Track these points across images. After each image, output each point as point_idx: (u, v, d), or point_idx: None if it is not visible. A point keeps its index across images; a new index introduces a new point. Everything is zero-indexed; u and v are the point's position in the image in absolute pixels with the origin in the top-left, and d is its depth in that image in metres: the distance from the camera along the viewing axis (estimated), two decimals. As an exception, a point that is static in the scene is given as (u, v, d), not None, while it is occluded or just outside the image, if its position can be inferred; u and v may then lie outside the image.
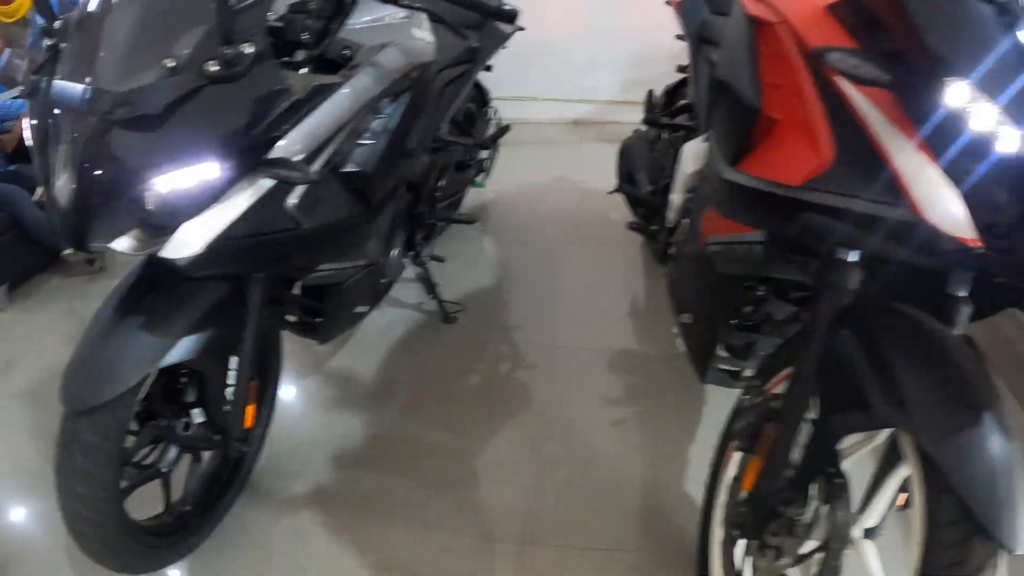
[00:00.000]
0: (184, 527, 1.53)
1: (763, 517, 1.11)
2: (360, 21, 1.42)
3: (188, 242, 1.13)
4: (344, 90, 1.25)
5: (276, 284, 1.49)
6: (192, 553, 1.54)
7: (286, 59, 1.24)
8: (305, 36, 1.26)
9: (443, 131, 2.12)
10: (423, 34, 1.65)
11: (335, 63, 1.34)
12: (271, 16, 1.24)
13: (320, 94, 1.20)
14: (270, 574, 1.54)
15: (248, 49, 1.05)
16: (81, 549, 1.29)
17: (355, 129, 1.36)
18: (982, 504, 0.77)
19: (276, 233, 1.27)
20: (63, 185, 1.06)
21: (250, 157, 1.14)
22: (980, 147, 0.73)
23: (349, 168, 1.40)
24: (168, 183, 1.07)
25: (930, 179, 0.77)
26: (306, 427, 1.94)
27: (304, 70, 1.24)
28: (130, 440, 1.34)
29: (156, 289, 1.29)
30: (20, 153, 2.56)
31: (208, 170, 1.09)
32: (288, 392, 2.03)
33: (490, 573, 1.50)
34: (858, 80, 0.83)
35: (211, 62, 1.03)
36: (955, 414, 0.82)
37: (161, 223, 1.11)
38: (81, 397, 1.19)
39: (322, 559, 1.56)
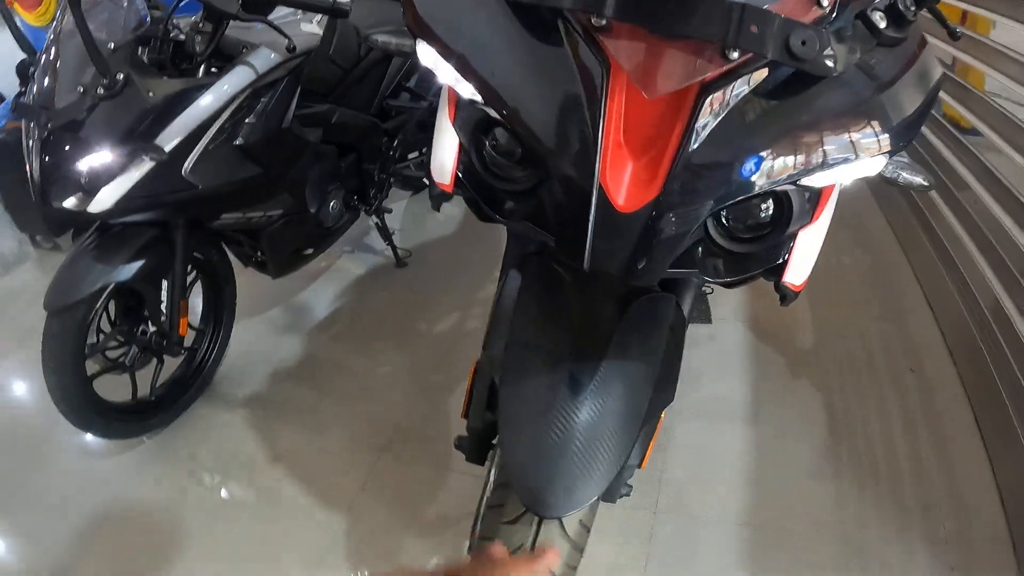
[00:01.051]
0: (146, 413, 2.17)
1: None
2: (256, 21, 1.88)
3: (104, 200, 1.72)
4: (211, 89, 1.79)
5: (196, 227, 2.03)
6: (153, 432, 2.19)
7: (187, 65, 1.80)
8: (198, 46, 1.78)
9: (389, 99, 2.64)
10: (311, 28, 2.13)
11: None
12: (174, 34, 1.79)
13: (186, 96, 1.76)
14: (201, 454, 2.12)
15: (119, 76, 1.64)
16: (63, 415, 1.93)
17: (238, 112, 1.87)
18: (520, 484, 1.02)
19: (179, 191, 1.82)
20: (35, 167, 1.72)
21: (143, 141, 1.70)
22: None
23: (238, 142, 1.90)
24: (89, 163, 1.69)
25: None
26: (260, 347, 2.50)
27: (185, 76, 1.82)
28: (100, 337, 1.97)
29: (105, 234, 1.90)
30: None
31: (111, 153, 1.69)
32: (253, 318, 2.61)
33: (347, 473, 1.95)
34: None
35: (100, 87, 1.63)
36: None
37: (89, 189, 1.71)
38: (53, 302, 1.82)
39: (236, 445, 2.11)
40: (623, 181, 0.81)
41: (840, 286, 2.43)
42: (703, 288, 1.04)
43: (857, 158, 0.82)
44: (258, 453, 2.07)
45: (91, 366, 1.99)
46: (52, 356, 1.83)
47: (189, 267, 2.18)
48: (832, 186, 0.90)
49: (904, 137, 0.85)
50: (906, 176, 0.98)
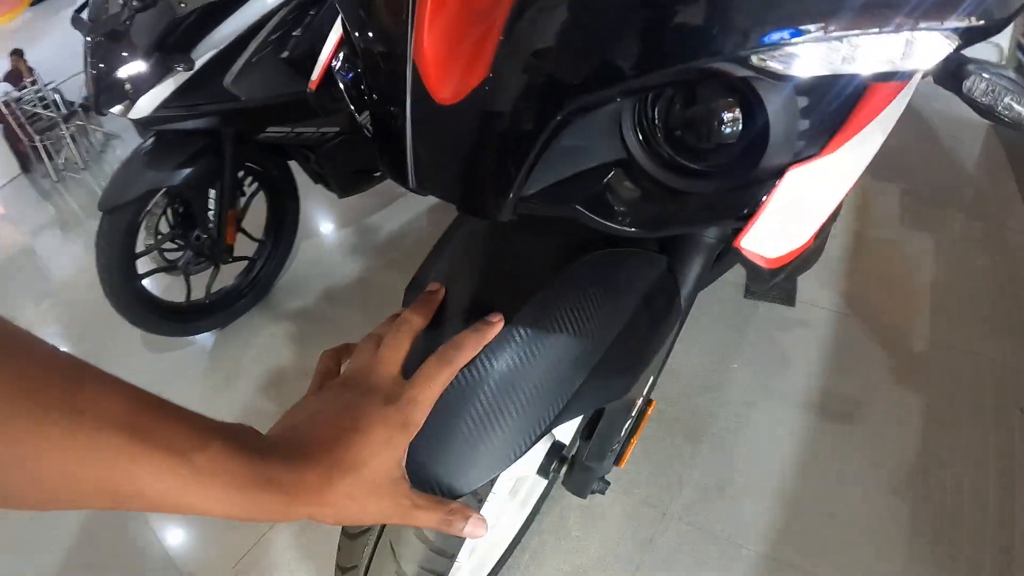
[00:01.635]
0: (199, 315, 2.30)
1: None
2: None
3: (142, 108, 1.79)
4: (250, 2, 1.76)
5: (245, 140, 2.02)
6: (200, 335, 2.32)
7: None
8: None
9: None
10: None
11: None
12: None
13: (222, 8, 1.75)
14: (244, 358, 2.21)
15: None
16: (114, 309, 2.07)
17: (283, 25, 1.81)
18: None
19: (221, 102, 1.82)
20: (88, 77, 1.81)
21: (175, 52, 1.73)
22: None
23: (284, 55, 1.83)
24: (128, 71, 1.75)
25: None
26: (321, 265, 2.54)
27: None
28: (157, 239, 2.08)
29: (159, 141, 1.96)
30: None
31: (145, 63, 1.74)
32: (319, 235, 2.65)
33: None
34: None
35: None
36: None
37: (131, 96, 1.77)
38: (106, 202, 1.93)
39: (279, 357, 2.17)
40: (448, 60, 0.55)
41: (966, 293, 1.98)
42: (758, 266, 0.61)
43: (897, 25, 0.45)
44: (291, 367, 2.12)
45: (147, 264, 2.12)
46: (103, 253, 1.95)
47: (249, 180, 2.23)
48: (859, 95, 0.52)
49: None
50: (1015, 106, 0.58)
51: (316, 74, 0.80)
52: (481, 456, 0.63)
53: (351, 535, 0.86)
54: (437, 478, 0.61)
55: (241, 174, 2.17)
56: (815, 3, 0.45)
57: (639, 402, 0.90)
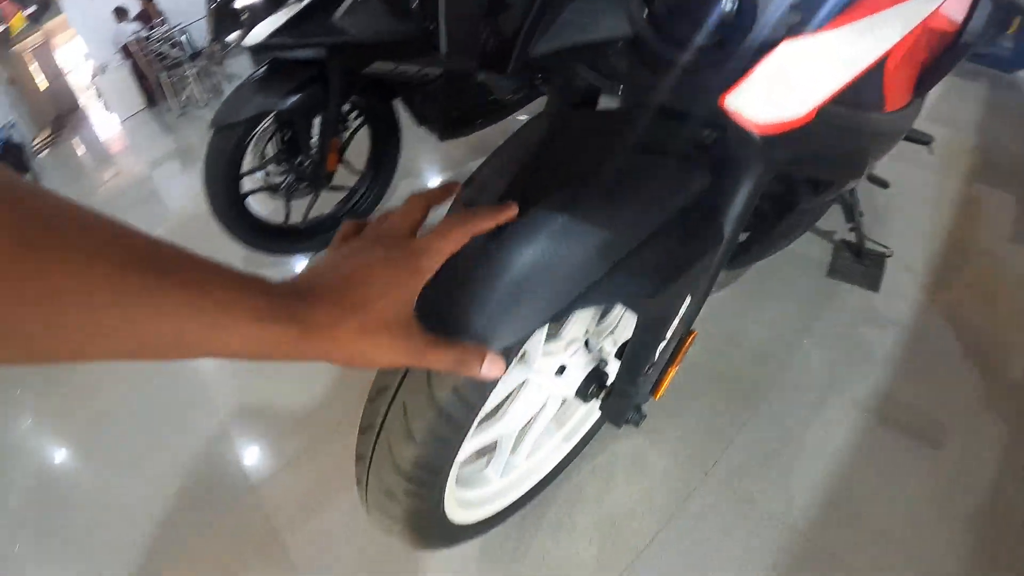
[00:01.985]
0: (294, 238, 2.48)
1: None
2: None
3: (256, 35, 1.93)
4: None
5: (351, 73, 2.14)
6: (290, 255, 2.49)
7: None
8: None
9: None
10: None
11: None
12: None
13: None
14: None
15: None
16: (214, 218, 2.24)
17: None
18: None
19: (330, 35, 1.94)
20: (208, 4, 2.02)
21: None
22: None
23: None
24: (245, 1, 1.96)
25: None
26: None
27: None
28: (259, 161, 2.23)
29: (271, 69, 2.12)
30: None
31: None
32: (420, 177, 2.76)
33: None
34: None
35: None
36: None
37: (248, 25, 1.95)
38: (217, 120, 2.09)
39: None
40: None
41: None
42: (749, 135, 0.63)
43: None
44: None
45: (251, 183, 2.28)
46: (210, 167, 2.12)
47: (355, 114, 2.36)
48: None
49: None
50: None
51: None
52: (505, 315, 0.69)
53: (371, 399, 0.94)
54: (462, 329, 0.69)
55: (347, 107, 2.31)
56: None
57: (675, 325, 0.94)
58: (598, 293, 0.74)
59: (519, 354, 0.88)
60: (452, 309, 0.68)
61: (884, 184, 1.97)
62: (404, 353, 0.50)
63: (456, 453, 0.95)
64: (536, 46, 0.62)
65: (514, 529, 1.44)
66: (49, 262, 0.32)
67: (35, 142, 11.75)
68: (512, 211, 0.64)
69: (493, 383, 0.88)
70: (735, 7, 0.56)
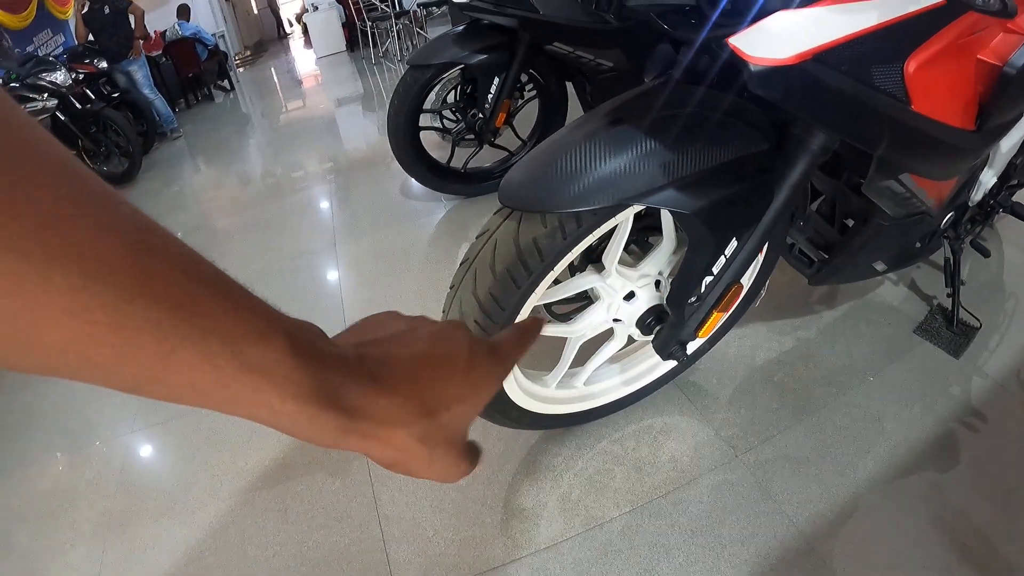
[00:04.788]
0: (452, 178, 2.99)
1: None
2: None
3: None
4: None
5: (536, 47, 2.56)
6: (450, 196, 2.95)
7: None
8: None
9: None
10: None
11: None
12: None
13: None
14: (471, 227, 2.81)
15: None
16: (390, 144, 2.75)
17: None
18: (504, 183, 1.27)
19: (522, 8, 2.36)
20: None
21: None
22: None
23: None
24: None
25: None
26: None
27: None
28: (439, 104, 2.72)
29: (469, 27, 2.59)
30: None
31: None
32: None
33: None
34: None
35: None
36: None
37: None
38: (413, 59, 2.60)
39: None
40: None
41: None
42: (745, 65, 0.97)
43: None
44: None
45: (426, 121, 2.77)
46: (397, 97, 2.62)
47: (530, 86, 2.80)
48: None
49: None
50: None
51: None
52: (574, 187, 1.09)
53: (477, 237, 1.36)
54: (536, 194, 1.10)
55: (525, 78, 2.76)
56: None
57: (720, 263, 1.26)
58: (657, 196, 1.11)
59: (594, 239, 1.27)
60: (556, 179, 1.09)
61: (986, 253, 2.12)
62: (451, 473, 0.44)
63: (523, 301, 1.31)
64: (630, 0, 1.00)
65: (556, 447, 1.79)
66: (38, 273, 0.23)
67: (236, 56, 13.21)
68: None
69: (563, 244, 1.24)
70: None
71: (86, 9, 6.14)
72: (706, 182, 1.13)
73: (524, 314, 1.35)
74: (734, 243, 1.24)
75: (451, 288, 1.39)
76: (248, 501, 1.85)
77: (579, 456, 1.77)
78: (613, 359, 1.72)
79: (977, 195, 1.68)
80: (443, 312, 1.42)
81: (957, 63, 1.01)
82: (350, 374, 0.36)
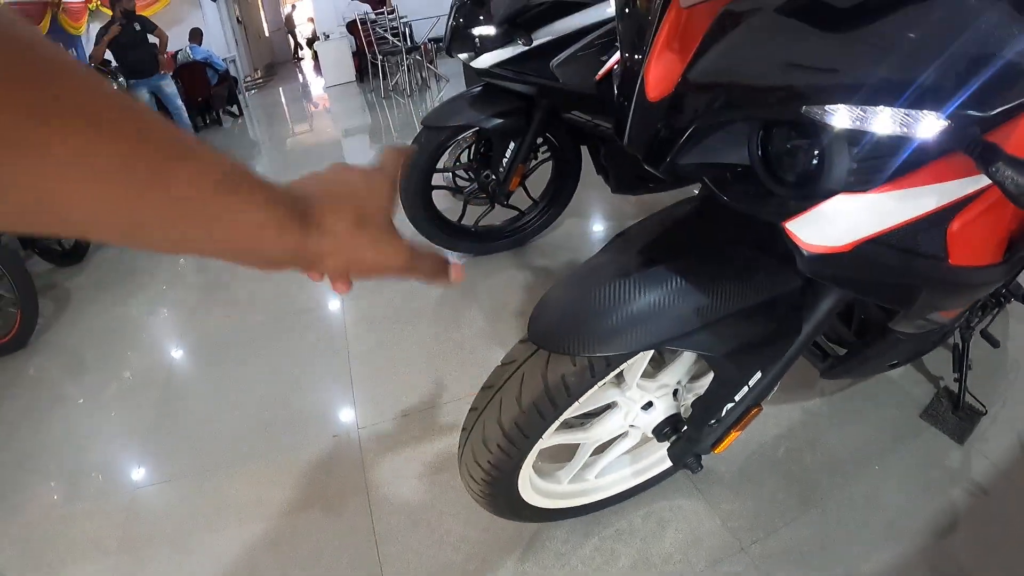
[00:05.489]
0: (462, 236, 2.96)
1: None
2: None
3: (484, 61, 2.46)
4: (591, 8, 2.29)
5: (552, 114, 2.58)
6: (461, 254, 2.96)
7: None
8: None
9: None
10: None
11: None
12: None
13: (568, 6, 2.30)
14: (481, 286, 2.81)
15: None
16: (401, 204, 2.74)
17: (609, 35, 2.31)
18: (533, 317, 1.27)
19: (542, 78, 2.39)
20: (449, 23, 2.52)
21: (521, 29, 2.32)
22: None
23: (602, 59, 2.34)
24: (480, 31, 2.44)
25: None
26: (573, 242, 3.08)
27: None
28: (452, 163, 2.73)
29: (486, 90, 2.61)
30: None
31: (496, 29, 2.40)
32: (585, 219, 3.17)
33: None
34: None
35: None
36: None
37: (477, 51, 2.43)
38: (428, 120, 2.62)
39: (506, 297, 2.75)
40: (660, 77, 1.02)
41: None
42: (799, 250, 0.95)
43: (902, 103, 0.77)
44: (513, 308, 2.69)
45: (440, 180, 2.78)
46: (412, 163, 2.62)
47: (544, 148, 2.83)
48: (919, 163, 0.84)
49: None
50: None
51: (601, 71, 1.27)
52: (621, 332, 1.09)
53: (501, 364, 1.38)
54: (567, 335, 1.11)
55: (540, 141, 2.78)
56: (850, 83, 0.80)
57: (744, 392, 1.26)
58: (689, 340, 1.12)
59: (616, 372, 1.25)
60: (588, 320, 1.10)
61: (995, 343, 2.14)
62: (395, 253, 0.53)
63: (545, 430, 1.32)
64: (681, 157, 0.99)
65: (565, 534, 1.78)
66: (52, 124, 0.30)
67: (247, 80, 13.29)
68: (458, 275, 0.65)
69: (591, 382, 1.23)
70: (815, 165, 0.89)
71: (118, 28, 6.28)
72: (736, 323, 1.14)
73: (546, 438, 1.37)
74: (758, 375, 1.24)
75: (473, 410, 1.39)
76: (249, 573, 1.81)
77: (587, 541, 1.77)
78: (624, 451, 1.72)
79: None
80: (463, 429, 1.43)
81: (995, 212, 1.01)
82: (296, 196, 0.47)
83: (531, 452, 1.38)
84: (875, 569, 1.66)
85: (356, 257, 0.51)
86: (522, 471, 1.43)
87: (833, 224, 0.89)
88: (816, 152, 0.88)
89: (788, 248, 0.96)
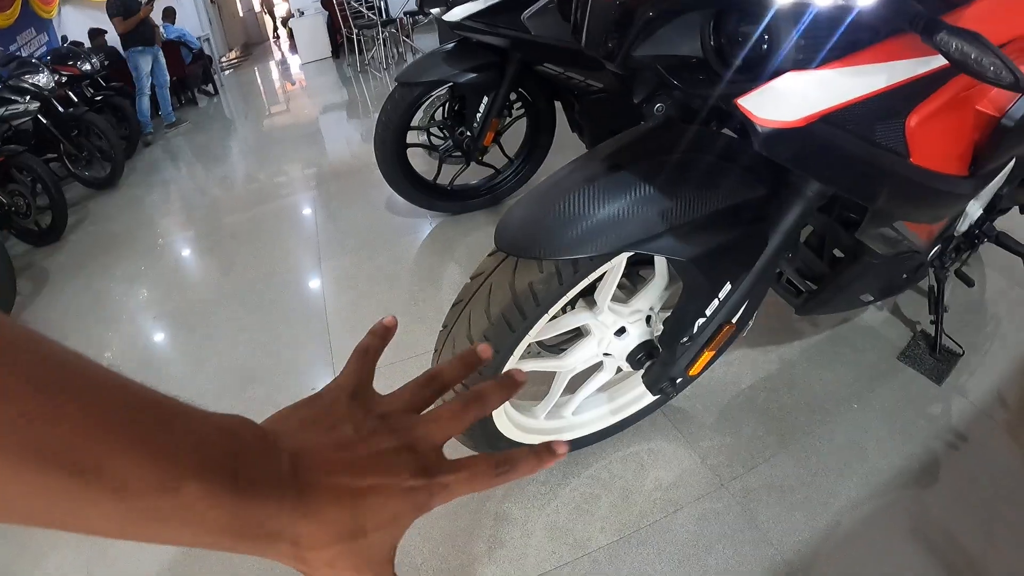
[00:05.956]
0: (438, 195, 2.94)
1: None
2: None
3: (456, 14, 2.43)
4: None
5: (525, 67, 2.57)
6: (436, 213, 2.94)
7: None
8: None
9: None
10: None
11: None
12: None
13: None
14: (457, 244, 2.80)
15: None
16: (377, 162, 2.73)
17: None
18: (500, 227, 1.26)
19: (514, 29, 2.36)
20: None
21: None
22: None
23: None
24: None
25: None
26: None
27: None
28: (427, 121, 2.71)
29: (459, 45, 2.57)
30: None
31: None
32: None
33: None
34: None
35: None
36: None
37: (451, 4, 2.39)
38: (402, 76, 2.59)
39: (477, 253, 2.70)
40: None
41: None
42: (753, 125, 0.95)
43: None
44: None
45: (414, 138, 2.77)
46: (386, 114, 2.61)
47: (519, 104, 2.80)
48: (869, 41, 0.89)
49: None
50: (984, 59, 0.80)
51: None
52: (572, 233, 1.08)
53: (471, 278, 1.36)
54: (532, 240, 1.10)
55: (514, 96, 2.75)
56: None
57: (714, 306, 1.27)
58: (655, 244, 1.12)
59: (586, 285, 1.27)
60: (553, 224, 1.09)
61: (970, 283, 2.16)
62: None
63: (516, 344, 1.32)
64: (636, 50, 0.99)
65: (544, 475, 1.79)
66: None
67: (222, 60, 13.13)
68: (519, 380, 0.51)
69: (559, 290, 1.24)
70: (764, 48, 0.90)
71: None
72: (702, 229, 1.13)
73: (518, 354, 1.35)
74: (728, 286, 1.25)
75: (444, 328, 1.38)
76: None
77: (566, 483, 1.77)
78: (601, 388, 1.72)
79: (963, 226, 1.70)
80: (435, 351, 1.41)
81: (956, 115, 1.01)
82: (273, 498, 0.36)
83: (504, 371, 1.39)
84: (852, 502, 1.68)
85: None
86: None
87: (785, 99, 0.90)
88: (765, 35, 0.90)
89: (744, 125, 0.96)
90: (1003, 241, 2.02)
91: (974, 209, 1.67)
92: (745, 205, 1.15)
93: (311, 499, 0.37)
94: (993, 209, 1.92)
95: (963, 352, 2.07)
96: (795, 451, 1.83)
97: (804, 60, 0.89)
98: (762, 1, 0.85)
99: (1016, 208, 2.29)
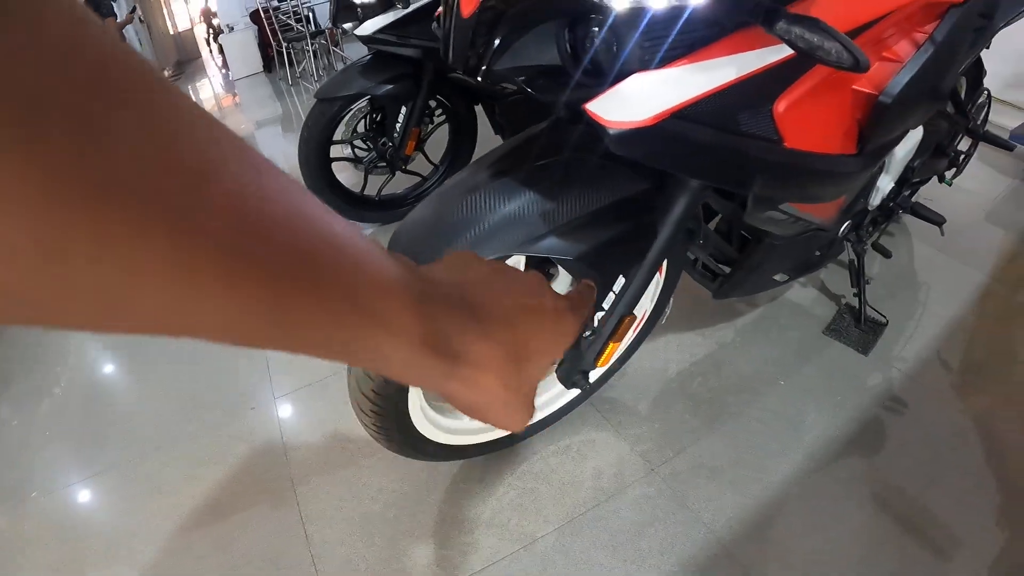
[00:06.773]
0: (366, 207, 2.97)
1: None
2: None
3: (366, 28, 2.44)
4: None
5: (441, 76, 2.60)
6: (367, 224, 2.97)
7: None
8: None
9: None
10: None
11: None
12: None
13: None
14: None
15: None
16: (302, 173, 2.74)
17: None
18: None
19: (425, 40, 2.39)
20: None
21: None
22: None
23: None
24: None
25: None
26: None
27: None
28: (349, 134, 2.72)
29: (374, 59, 2.60)
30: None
31: None
32: None
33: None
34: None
35: None
36: None
37: (361, 19, 2.42)
38: (321, 92, 2.60)
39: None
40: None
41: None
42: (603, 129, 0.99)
43: None
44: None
45: (338, 152, 2.78)
46: (307, 130, 2.62)
47: (439, 112, 2.83)
48: (709, 40, 0.94)
49: None
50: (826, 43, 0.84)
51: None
52: (461, 241, 1.12)
53: None
54: (423, 248, 1.14)
55: (433, 104, 2.78)
56: None
57: (611, 300, 1.31)
58: (539, 246, 1.15)
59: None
60: (446, 231, 1.13)
61: (887, 254, 2.25)
62: (518, 420, 0.43)
63: None
64: (496, 63, 1.04)
65: (479, 473, 1.82)
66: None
67: (155, 81, 12.86)
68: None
69: None
70: (612, 53, 0.95)
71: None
72: (586, 226, 1.17)
73: None
74: (622, 280, 1.29)
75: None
76: (186, 546, 1.79)
77: (504, 479, 1.81)
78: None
79: (876, 200, 1.76)
80: (348, 366, 1.44)
81: (832, 95, 1.05)
82: (457, 319, 0.36)
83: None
84: (784, 477, 1.74)
85: (482, 411, 0.41)
86: (410, 399, 1.44)
87: (631, 101, 0.94)
88: (613, 40, 0.94)
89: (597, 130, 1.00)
90: (918, 211, 2.11)
91: (885, 183, 1.74)
92: (631, 200, 1.19)
93: (483, 319, 0.38)
94: (906, 181, 2.00)
95: (887, 321, 2.15)
96: (724, 432, 1.88)
97: (650, 60, 0.93)
98: (602, 7, 0.89)
99: (935, 178, 2.37)
